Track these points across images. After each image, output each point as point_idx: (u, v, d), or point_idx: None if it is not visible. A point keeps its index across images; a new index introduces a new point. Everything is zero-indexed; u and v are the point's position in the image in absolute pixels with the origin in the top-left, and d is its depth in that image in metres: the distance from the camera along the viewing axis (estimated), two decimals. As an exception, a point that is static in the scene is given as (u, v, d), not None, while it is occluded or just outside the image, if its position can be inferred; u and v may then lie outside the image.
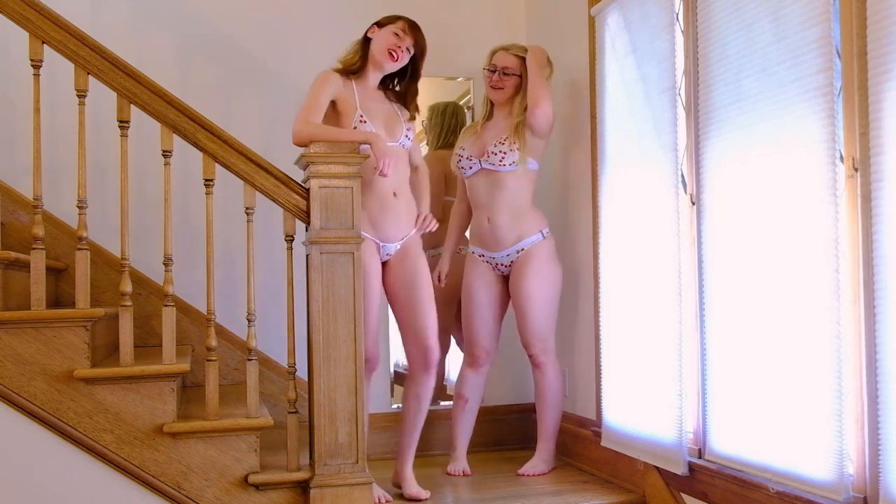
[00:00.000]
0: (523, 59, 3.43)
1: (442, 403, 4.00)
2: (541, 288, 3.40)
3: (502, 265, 3.45)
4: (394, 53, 3.06)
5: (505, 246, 3.42)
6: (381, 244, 3.05)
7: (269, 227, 3.41)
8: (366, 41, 3.12)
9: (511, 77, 3.42)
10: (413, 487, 3.08)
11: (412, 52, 3.11)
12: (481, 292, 3.46)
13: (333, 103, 3.04)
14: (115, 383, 2.62)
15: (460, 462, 3.48)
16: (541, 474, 3.44)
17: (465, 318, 3.51)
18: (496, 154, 3.37)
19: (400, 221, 3.08)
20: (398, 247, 3.09)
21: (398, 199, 3.06)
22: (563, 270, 3.49)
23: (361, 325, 2.76)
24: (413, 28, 3.10)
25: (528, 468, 3.46)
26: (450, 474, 3.45)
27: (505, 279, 3.50)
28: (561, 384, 3.51)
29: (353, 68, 3.09)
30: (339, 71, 3.09)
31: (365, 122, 3.00)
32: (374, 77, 3.13)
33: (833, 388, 2.20)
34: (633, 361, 3.12)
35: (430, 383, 3.11)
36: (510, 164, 3.37)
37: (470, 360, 3.51)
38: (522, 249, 3.40)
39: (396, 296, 3.12)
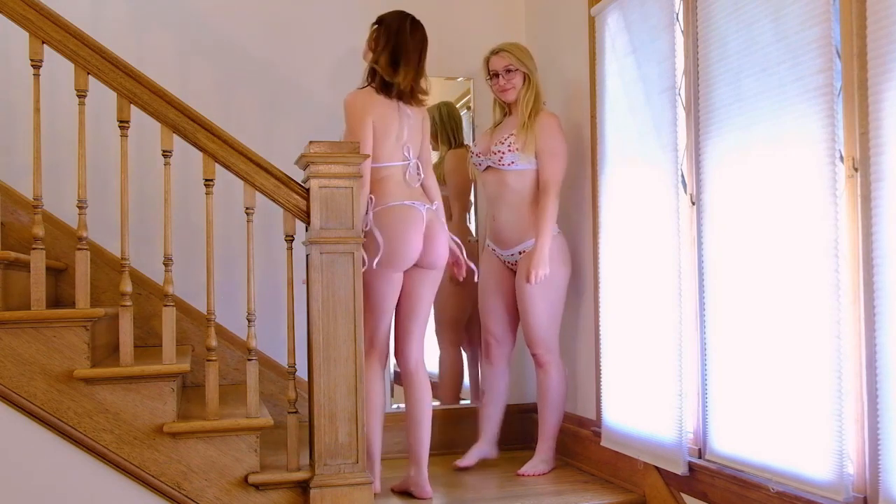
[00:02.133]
0: (516, 54, 3.46)
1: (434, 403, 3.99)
2: (541, 289, 3.38)
3: (509, 263, 3.50)
4: None
5: (510, 245, 3.45)
6: None
7: (269, 227, 3.41)
8: None
9: (515, 73, 3.43)
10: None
11: None
12: (490, 282, 3.54)
13: None
14: (115, 383, 2.62)
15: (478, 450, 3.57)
16: (541, 474, 3.43)
17: (479, 310, 3.64)
18: (496, 153, 3.41)
19: None
20: None
21: None
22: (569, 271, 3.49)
23: (361, 325, 2.76)
24: None
25: (527, 468, 3.45)
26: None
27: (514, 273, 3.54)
28: (564, 385, 3.50)
29: None
30: None
31: None
32: None
33: (833, 388, 2.20)
34: (633, 361, 3.12)
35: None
36: (510, 164, 3.39)
37: (485, 350, 3.60)
38: (523, 252, 3.42)
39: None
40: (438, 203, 3.18)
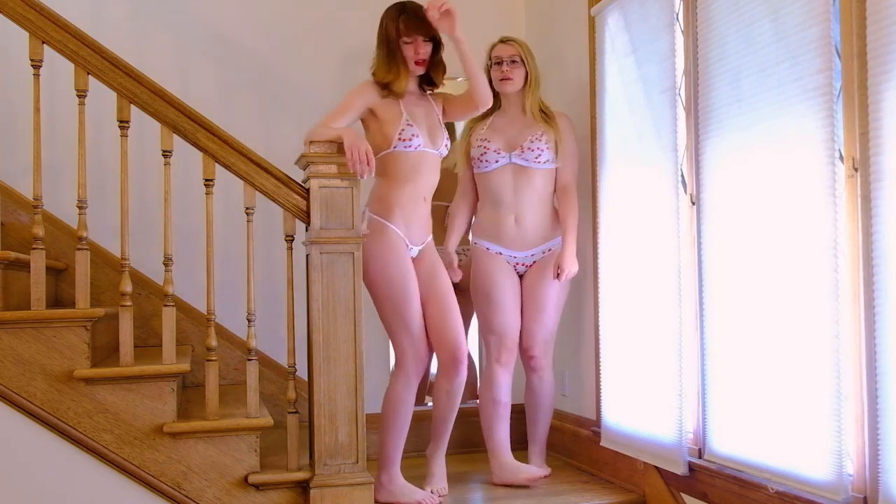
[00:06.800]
0: (523, 48, 3.35)
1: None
2: (559, 290, 3.33)
3: (522, 265, 3.35)
4: (419, 63, 3.01)
5: (532, 245, 3.32)
6: (409, 245, 3.01)
7: (269, 227, 3.41)
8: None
9: (518, 66, 3.32)
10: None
11: (429, 42, 3.04)
12: (507, 284, 3.31)
13: (373, 112, 2.99)
14: (115, 383, 2.62)
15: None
16: (547, 476, 3.35)
17: (493, 314, 3.32)
18: (533, 150, 3.28)
19: (425, 226, 3.07)
20: (421, 248, 3.07)
21: (426, 203, 3.06)
22: None
23: (361, 325, 2.77)
24: (417, 27, 2.99)
25: (537, 471, 3.31)
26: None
27: (520, 277, 3.39)
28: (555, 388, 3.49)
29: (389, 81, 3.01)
30: (377, 83, 3.01)
31: (411, 125, 2.96)
32: (412, 81, 3.07)
33: (832, 388, 2.20)
34: (632, 361, 3.12)
35: (460, 379, 3.04)
36: (545, 162, 3.29)
37: (504, 357, 3.33)
38: (549, 250, 3.32)
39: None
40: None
